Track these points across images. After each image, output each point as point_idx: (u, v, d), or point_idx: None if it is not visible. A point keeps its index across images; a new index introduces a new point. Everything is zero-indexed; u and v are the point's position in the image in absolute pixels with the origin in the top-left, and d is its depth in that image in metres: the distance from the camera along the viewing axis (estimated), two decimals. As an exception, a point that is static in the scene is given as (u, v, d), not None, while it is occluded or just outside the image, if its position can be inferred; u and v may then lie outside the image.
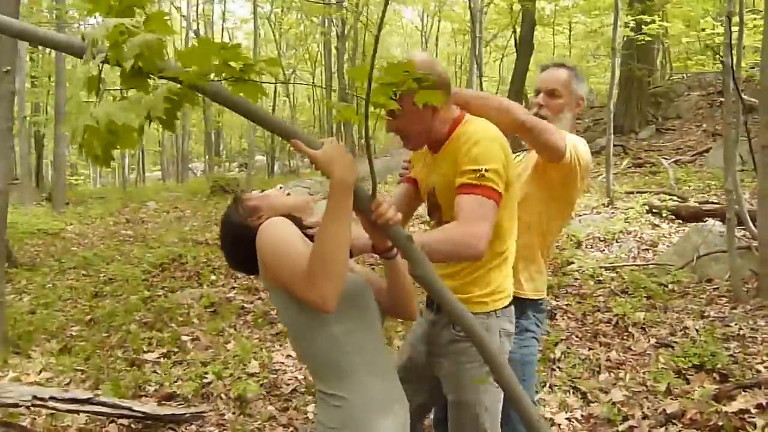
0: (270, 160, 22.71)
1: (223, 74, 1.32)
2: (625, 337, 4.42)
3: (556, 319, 4.76)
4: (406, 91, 1.44)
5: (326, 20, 18.40)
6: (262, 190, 1.73)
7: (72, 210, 11.91)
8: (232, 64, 1.30)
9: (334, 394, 1.50)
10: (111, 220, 10.83)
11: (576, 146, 2.13)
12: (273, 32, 19.73)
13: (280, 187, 1.75)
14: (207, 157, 21.62)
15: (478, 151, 1.77)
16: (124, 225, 10.21)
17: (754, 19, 8.49)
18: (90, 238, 9.09)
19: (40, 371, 4.17)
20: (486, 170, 1.74)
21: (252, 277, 1.67)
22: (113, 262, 7.21)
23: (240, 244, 1.58)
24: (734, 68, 4.82)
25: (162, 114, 1.16)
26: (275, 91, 21.63)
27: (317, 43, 21.18)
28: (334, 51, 19.66)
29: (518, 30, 16.68)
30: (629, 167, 10.88)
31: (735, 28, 5.64)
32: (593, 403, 3.46)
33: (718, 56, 5.89)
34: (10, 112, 4.55)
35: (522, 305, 2.14)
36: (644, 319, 4.61)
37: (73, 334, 4.93)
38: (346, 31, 18.15)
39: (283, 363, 4.23)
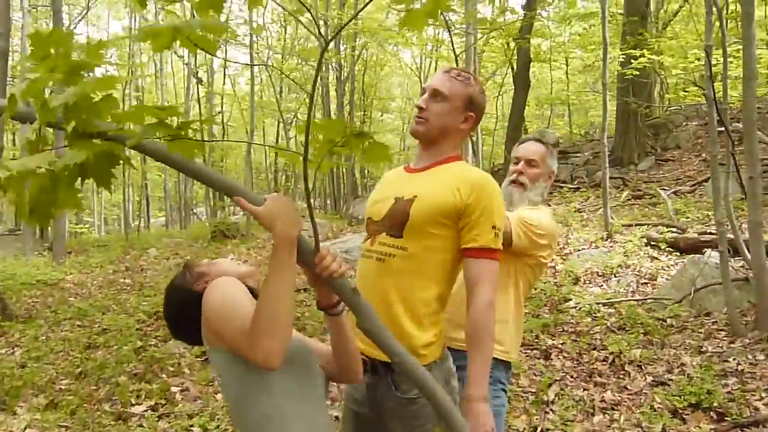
0: (274, 202, 22.74)
1: (158, 133, 1.33)
2: (621, 376, 4.32)
3: (551, 359, 4.67)
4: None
5: (324, 65, 18.69)
6: (212, 259, 1.72)
7: (73, 259, 11.93)
8: (169, 122, 1.31)
9: None
10: (111, 268, 10.82)
11: (523, 216, 2.20)
12: (270, 78, 20.07)
13: (232, 258, 1.74)
14: (210, 201, 21.77)
15: (499, 207, 1.85)
16: (123, 273, 10.20)
17: (738, 50, 8.53)
18: (88, 287, 9.07)
19: (25, 428, 4.11)
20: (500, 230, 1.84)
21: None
22: (109, 311, 7.18)
23: (182, 309, 1.56)
24: (718, 100, 4.82)
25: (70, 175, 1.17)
26: (277, 135, 21.93)
27: (318, 87, 21.52)
28: (333, 94, 19.95)
29: (515, 66, 16.88)
30: (629, 199, 10.83)
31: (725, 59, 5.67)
32: (585, 447, 3.36)
33: (699, 89, 5.89)
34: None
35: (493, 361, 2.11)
36: (641, 356, 4.51)
37: (62, 387, 4.86)
38: (343, 76, 18.43)
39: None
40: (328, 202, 22.58)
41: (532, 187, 2.34)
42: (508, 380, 2.31)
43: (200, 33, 1.19)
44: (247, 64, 15.37)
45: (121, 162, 1.33)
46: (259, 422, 1.46)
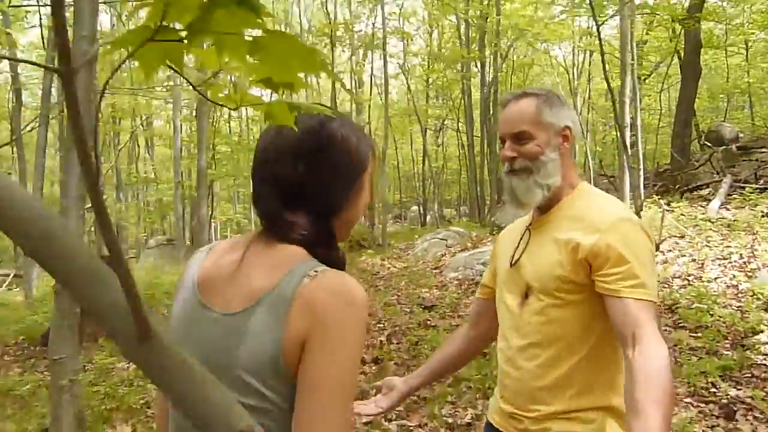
0: (422, 209, 22.49)
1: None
2: None
3: (736, 420, 3.46)
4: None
5: (464, 66, 17.92)
6: None
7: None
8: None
9: None
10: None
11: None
12: (407, 83, 19.79)
13: None
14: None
15: None
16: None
17: None
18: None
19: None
20: None
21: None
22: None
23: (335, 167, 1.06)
24: None
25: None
26: (424, 142, 21.31)
27: (462, 90, 20.79)
28: (477, 97, 19.09)
29: (683, 54, 14.82)
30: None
31: None
32: None
33: None
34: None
35: None
36: None
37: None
38: (489, 77, 17.42)
39: None
40: (467, 209, 21.75)
41: (539, 167, 1.53)
42: None
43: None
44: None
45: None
46: None
